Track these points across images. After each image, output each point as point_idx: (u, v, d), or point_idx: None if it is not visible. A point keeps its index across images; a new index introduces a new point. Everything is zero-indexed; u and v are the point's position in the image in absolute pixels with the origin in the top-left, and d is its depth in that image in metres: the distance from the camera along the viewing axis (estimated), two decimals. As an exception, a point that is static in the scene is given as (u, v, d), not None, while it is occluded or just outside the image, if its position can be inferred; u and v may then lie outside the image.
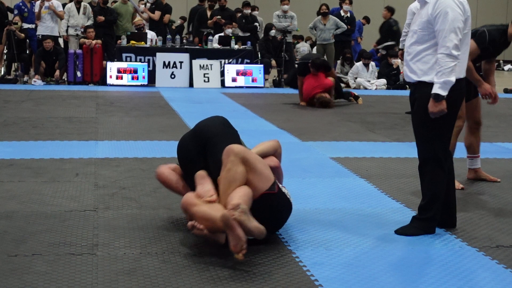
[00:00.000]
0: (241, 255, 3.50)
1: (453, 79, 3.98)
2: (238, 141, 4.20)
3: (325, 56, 15.10)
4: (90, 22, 14.48)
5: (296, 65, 11.59)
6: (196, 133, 4.26)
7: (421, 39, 4.11)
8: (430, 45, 4.08)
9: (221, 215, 3.53)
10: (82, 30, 14.32)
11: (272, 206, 3.91)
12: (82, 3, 14.63)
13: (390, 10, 16.09)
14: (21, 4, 14.45)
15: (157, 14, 15.26)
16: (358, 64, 14.83)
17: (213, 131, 4.18)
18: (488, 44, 5.24)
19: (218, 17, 15.18)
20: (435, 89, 3.98)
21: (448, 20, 3.98)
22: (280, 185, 4.06)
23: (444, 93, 3.98)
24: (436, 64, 4.01)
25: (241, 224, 3.50)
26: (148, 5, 15.67)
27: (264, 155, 4.20)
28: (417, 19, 4.19)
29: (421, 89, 4.13)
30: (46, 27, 13.97)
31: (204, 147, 4.13)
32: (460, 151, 7.22)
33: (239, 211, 3.50)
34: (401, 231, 4.24)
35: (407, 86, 4.53)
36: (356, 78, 14.72)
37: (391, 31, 15.72)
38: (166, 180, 4.34)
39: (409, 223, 4.30)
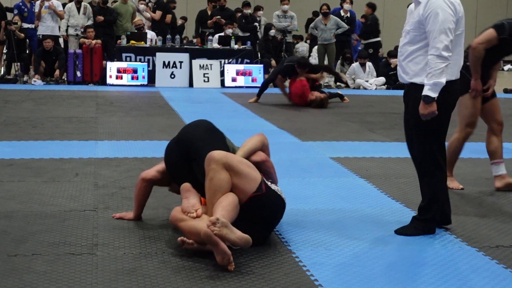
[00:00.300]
0: (231, 267, 3.49)
1: (443, 80, 3.94)
2: (223, 144, 4.13)
3: (326, 56, 15.14)
4: (90, 22, 14.49)
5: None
6: (180, 138, 4.22)
7: (413, 39, 4.09)
8: (421, 46, 4.06)
9: (202, 232, 3.47)
10: (82, 30, 14.33)
11: (263, 207, 3.85)
12: (83, 3, 14.63)
13: (371, 6, 16.16)
14: (21, 4, 14.46)
15: (158, 14, 15.26)
16: (355, 65, 14.84)
17: (197, 136, 4.13)
18: (508, 35, 5.10)
19: (218, 17, 15.18)
20: (425, 91, 3.95)
21: (438, 21, 3.94)
22: (269, 183, 3.97)
23: (434, 94, 3.94)
24: (427, 66, 3.98)
25: (223, 238, 3.45)
26: (150, 4, 15.66)
27: (252, 152, 4.10)
28: (410, 19, 4.18)
29: (414, 91, 4.10)
30: (46, 27, 13.99)
31: (188, 152, 4.08)
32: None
33: (219, 226, 3.43)
34: (401, 231, 4.24)
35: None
36: (354, 78, 14.74)
37: (368, 26, 15.91)
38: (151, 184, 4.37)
39: (409, 223, 4.30)
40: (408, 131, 4.31)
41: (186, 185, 3.96)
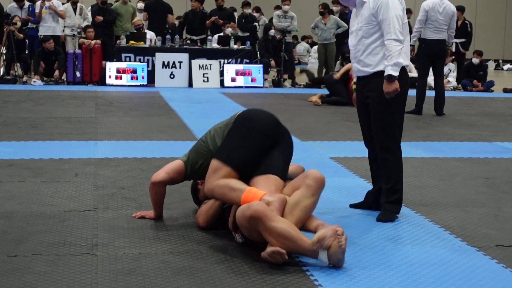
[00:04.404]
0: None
1: (401, 60, 4.35)
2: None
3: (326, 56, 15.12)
4: (86, 23, 14.50)
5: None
6: (279, 127, 4.22)
7: (366, 33, 4.48)
8: (376, 38, 4.45)
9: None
10: (79, 30, 14.33)
11: None
12: (78, 4, 14.65)
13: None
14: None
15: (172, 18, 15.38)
16: None
17: (287, 141, 4.26)
18: None
19: (215, 17, 15.15)
20: (387, 71, 4.34)
21: (389, 8, 4.37)
22: None
23: (395, 73, 4.33)
24: (385, 50, 4.37)
25: (344, 249, 3.51)
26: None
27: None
28: (356, 20, 4.55)
29: (377, 79, 4.45)
30: (48, 28, 13.99)
31: (275, 142, 4.12)
32: (459, 150, 7.23)
33: (345, 238, 3.49)
34: (383, 219, 4.47)
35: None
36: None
37: None
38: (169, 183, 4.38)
39: (382, 210, 4.55)
40: (366, 122, 4.63)
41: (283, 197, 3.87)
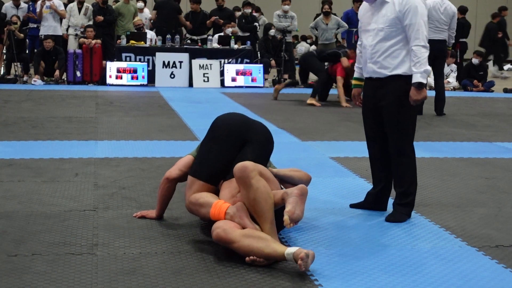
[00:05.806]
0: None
1: (429, 67, 4.33)
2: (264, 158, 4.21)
3: None
4: (90, 23, 14.49)
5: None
6: (248, 121, 4.24)
7: (388, 35, 4.39)
8: (398, 40, 4.38)
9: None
10: (81, 30, 14.32)
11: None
12: (84, 4, 14.64)
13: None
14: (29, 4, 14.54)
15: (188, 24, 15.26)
16: None
17: (258, 138, 4.16)
18: None
19: (216, 17, 15.15)
20: (417, 78, 4.28)
21: (418, 13, 4.32)
22: None
23: (425, 81, 4.30)
24: (412, 56, 4.32)
25: (307, 269, 3.48)
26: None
27: (289, 179, 4.28)
28: (374, 19, 4.44)
29: (394, 82, 4.40)
30: (48, 27, 13.99)
31: (244, 142, 4.11)
32: (460, 150, 7.23)
33: (306, 261, 3.44)
34: (393, 219, 4.45)
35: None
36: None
37: None
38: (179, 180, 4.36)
39: (393, 210, 4.52)
40: (373, 125, 4.58)
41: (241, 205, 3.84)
